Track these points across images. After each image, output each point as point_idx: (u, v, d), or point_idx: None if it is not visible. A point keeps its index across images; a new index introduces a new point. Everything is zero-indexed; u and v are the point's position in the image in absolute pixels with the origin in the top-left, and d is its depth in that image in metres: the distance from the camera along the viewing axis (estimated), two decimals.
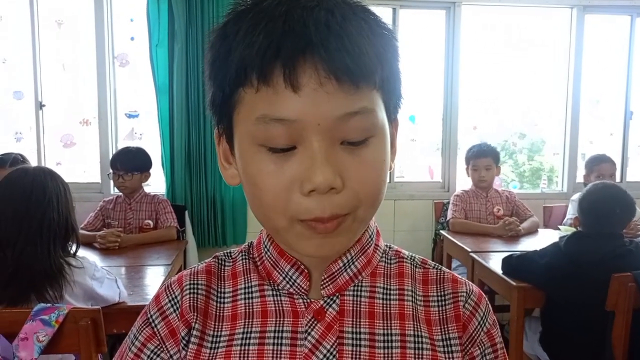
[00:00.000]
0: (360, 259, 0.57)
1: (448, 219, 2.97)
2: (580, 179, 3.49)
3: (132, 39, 3.34)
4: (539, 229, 2.95)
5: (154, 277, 2.03)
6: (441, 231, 3.01)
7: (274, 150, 0.48)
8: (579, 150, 3.71)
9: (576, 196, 2.89)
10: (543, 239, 2.59)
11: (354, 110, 0.47)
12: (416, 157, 3.69)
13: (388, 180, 0.55)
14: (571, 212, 3.01)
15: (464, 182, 3.43)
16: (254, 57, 0.46)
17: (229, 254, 0.62)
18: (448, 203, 3.13)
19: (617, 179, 3.30)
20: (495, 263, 2.23)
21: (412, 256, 0.61)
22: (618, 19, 3.71)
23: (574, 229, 2.20)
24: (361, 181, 0.49)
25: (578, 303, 1.88)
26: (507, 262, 2.09)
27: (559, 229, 2.87)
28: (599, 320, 1.85)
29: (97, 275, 1.56)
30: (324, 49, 0.45)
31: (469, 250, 2.48)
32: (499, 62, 3.72)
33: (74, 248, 1.56)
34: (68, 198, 1.53)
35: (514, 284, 2.01)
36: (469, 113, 3.66)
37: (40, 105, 3.27)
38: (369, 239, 0.58)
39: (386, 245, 0.61)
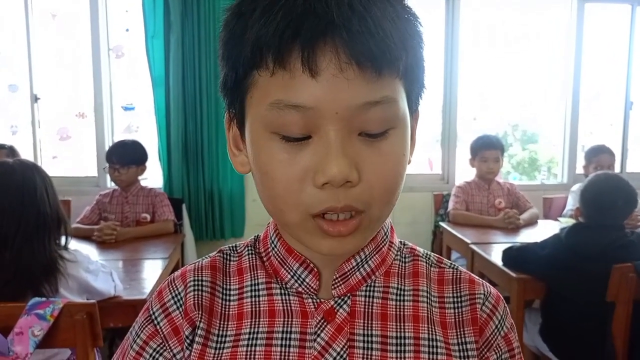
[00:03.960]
0: (374, 257, 0.54)
1: (449, 210, 2.96)
2: (579, 170, 3.48)
3: (127, 30, 3.31)
4: (538, 221, 2.94)
5: (151, 270, 2.01)
6: (441, 223, 3.00)
7: (288, 139, 0.45)
8: (579, 141, 3.70)
9: (576, 187, 2.88)
10: (543, 231, 2.58)
11: (375, 100, 0.44)
12: (415, 148, 3.66)
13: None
14: (571, 203, 3.00)
15: (463, 173, 3.41)
16: (270, 37, 0.42)
17: (234, 248, 0.59)
18: (448, 195, 3.12)
19: (617, 170, 3.28)
20: (495, 255, 2.21)
21: (427, 254, 0.59)
22: (618, 8, 3.68)
23: (573, 221, 2.18)
24: (378, 175, 0.46)
25: (578, 294, 1.87)
26: (507, 254, 2.08)
27: (558, 220, 2.86)
28: (599, 312, 1.84)
29: (91, 268, 1.54)
30: (346, 32, 0.41)
31: (469, 242, 2.47)
32: (499, 52, 3.70)
33: (64, 241, 1.54)
34: (54, 190, 1.52)
35: (514, 275, 1.99)
36: (469, 104, 3.64)
37: (35, 98, 3.25)
38: (384, 237, 0.56)
39: (400, 242, 0.59)
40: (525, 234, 2.64)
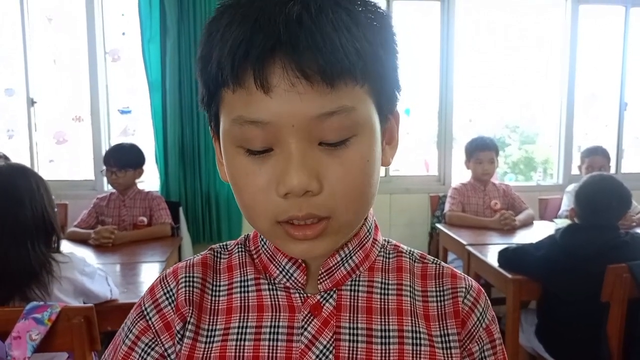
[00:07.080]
0: (357, 253, 0.56)
1: (445, 211, 2.97)
2: (575, 170, 3.50)
3: (123, 34, 3.31)
4: (534, 221, 2.95)
5: (149, 274, 2.02)
6: (437, 224, 3.01)
7: (252, 152, 0.47)
8: (574, 142, 3.72)
9: (571, 187, 2.90)
10: (539, 231, 2.59)
11: (331, 110, 0.45)
12: (412, 150, 3.68)
13: (382, 175, 0.54)
14: (566, 203, 3.01)
15: (460, 175, 3.42)
16: (226, 57, 0.45)
17: (225, 246, 0.61)
18: (444, 196, 3.13)
19: (612, 171, 3.30)
20: (491, 256, 2.22)
21: (410, 251, 0.61)
22: (612, 10, 3.71)
23: (569, 221, 2.20)
24: (340, 183, 0.47)
25: (574, 295, 1.88)
26: (503, 255, 2.09)
27: (554, 221, 2.87)
28: (594, 312, 1.85)
29: (86, 270, 1.53)
30: (292, 48, 0.43)
31: (465, 243, 2.48)
32: (495, 53, 3.72)
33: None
34: (43, 194, 1.48)
35: (510, 276, 2.00)
36: (465, 106, 3.66)
37: (31, 102, 3.24)
38: (367, 233, 0.57)
39: (385, 240, 0.60)
40: (521, 235, 2.66)
